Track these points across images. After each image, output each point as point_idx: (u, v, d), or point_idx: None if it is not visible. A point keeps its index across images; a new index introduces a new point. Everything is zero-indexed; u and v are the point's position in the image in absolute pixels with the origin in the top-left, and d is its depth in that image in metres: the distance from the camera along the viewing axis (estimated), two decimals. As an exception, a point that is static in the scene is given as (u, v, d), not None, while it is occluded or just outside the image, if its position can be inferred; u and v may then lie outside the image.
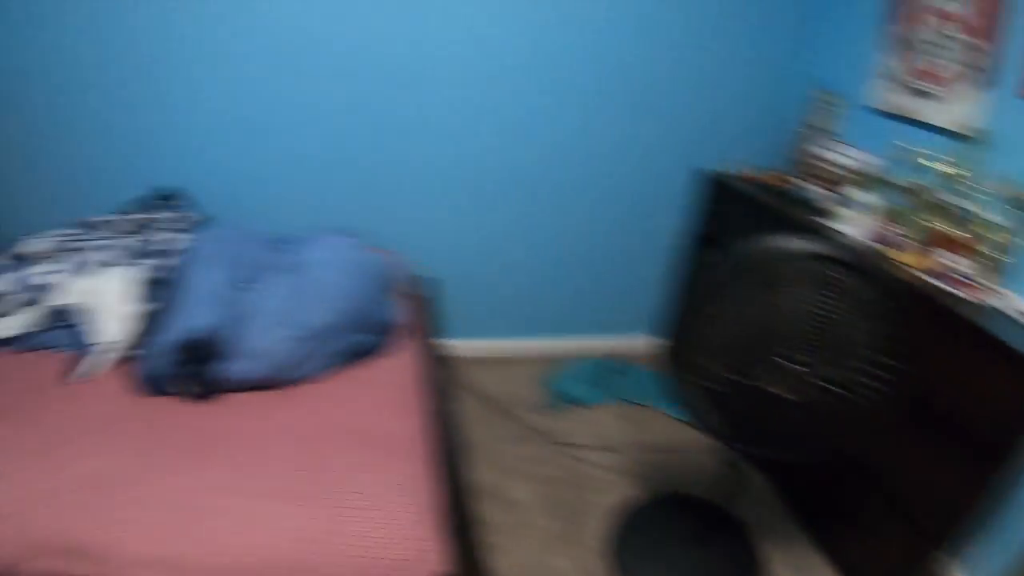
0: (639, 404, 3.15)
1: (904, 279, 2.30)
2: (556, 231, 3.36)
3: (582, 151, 3.23)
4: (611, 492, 2.69)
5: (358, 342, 2.21)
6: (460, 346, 3.49)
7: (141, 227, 2.75)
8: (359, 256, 2.33)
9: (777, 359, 1.72)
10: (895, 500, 2.28)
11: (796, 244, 1.67)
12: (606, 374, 3.29)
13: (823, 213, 2.89)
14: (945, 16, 2.69)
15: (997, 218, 2.37)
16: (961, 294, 2.24)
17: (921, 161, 2.68)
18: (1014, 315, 2.16)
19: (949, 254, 2.34)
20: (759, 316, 1.71)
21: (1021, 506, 2.22)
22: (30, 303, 2.37)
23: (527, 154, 3.17)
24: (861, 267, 1.64)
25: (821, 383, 1.72)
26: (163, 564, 1.51)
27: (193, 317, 1.99)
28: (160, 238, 2.64)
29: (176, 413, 1.96)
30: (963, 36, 2.62)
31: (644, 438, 2.99)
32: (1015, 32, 2.40)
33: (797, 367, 1.71)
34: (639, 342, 3.66)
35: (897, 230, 2.61)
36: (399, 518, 1.61)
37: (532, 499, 2.62)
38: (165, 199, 2.95)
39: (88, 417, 1.92)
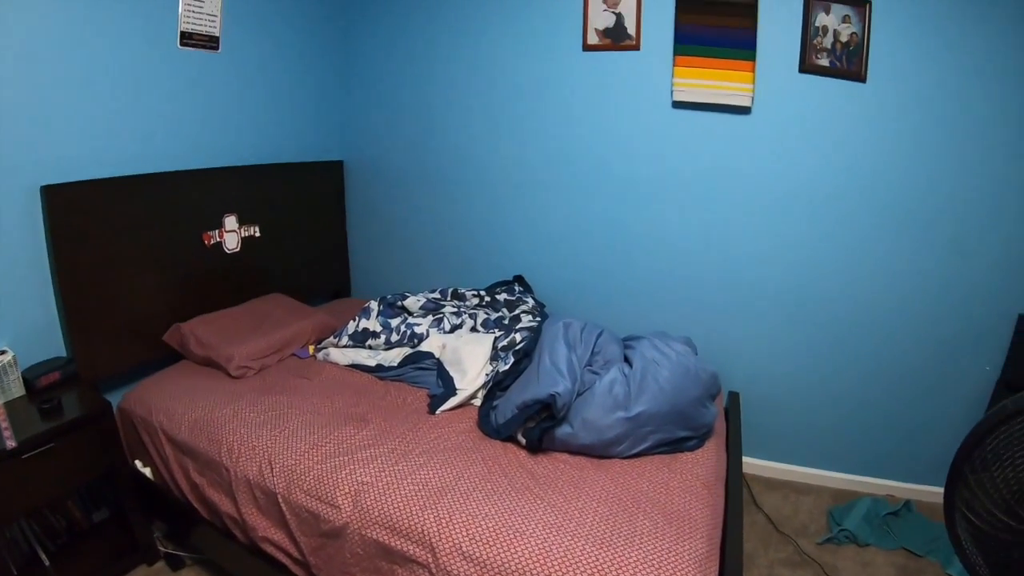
0: (918, 554, 2.96)
1: None
2: (861, 365, 3.34)
3: (900, 289, 3.21)
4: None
5: (676, 436, 2.44)
6: (755, 464, 3.61)
7: (493, 303, 3.42)
8: (689, 361, 2.57)
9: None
10: None
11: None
12: (891, 517, 3.16)
13: None
14: None
15: None
16: None
17: None
18: None
19: None
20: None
21: None
22: (406, 344, 3.05)
23: (846, 290, 3.26)
24: None
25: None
26: (475, 560, 1.89)
27: (554, 383, 2.37)
28: (510, 314, 3.27)
29: (510, 454, 2.39)
30: None
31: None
32: None
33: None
34: (930, 489, 3.37)
35: None
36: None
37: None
38: (513, 284, 3.56)
39: (441, 441, 2.44)
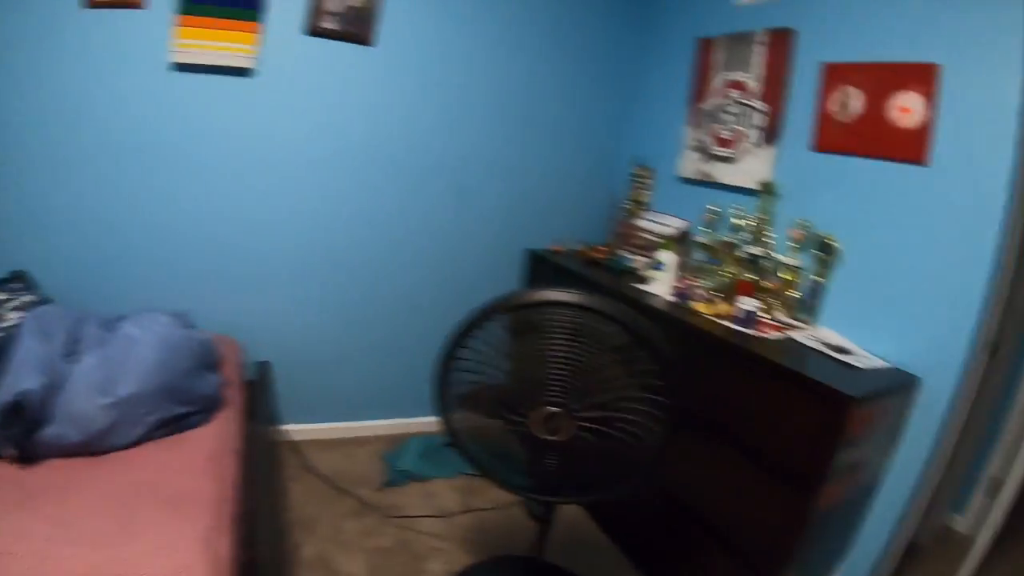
0: (475, 474, 3.27)
1: (688, 323, 2.65)
2: (388, 313, 3.64)
3: (416, 238, 3.58)
4: (443, 559, 2.81)
5: (175, 414, 2.33)
6: (305, 429, 3.61)
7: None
8: (174, 333, 2.48)
9: (535, 403, 1.82)
10: (721, 535, 2.48)
11: (543, 295, 1.80)
12: (441, 449, 3.43)
13: (639, 279, 3.23)
14: (739, 87, 3.20)
15: (792, 260, 2.79)
16: (759, 333, 2.55)
17: (727, 217, 3.12)
18: (814, 345, 2.48)
19: (750, 299, 2.65)
20: (519, 364, 1.83)
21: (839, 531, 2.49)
22: None
23: (365, 245, 3.50)
24: (610, 314, 1.76)
25: (581, 423, 1.82)
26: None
27: (17, 382, 2.09)
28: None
29: (-4, 470, 2.06)
30: (755, 103, 3.11)
31: (477, 505, 3.17)
32: (796, 97, 2.90)
33: (554, 408, 1.82)
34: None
35: (699, 284, 3.00)
36: (193, 565, 1.71)
37: (364, 570, 2.69)
38: (10, 282, 3.02)
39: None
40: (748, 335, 2.51)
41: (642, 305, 2.87)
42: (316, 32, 3.13)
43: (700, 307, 2.80)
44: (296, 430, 3.52)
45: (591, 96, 3.85)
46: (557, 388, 1.78)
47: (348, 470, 3.36)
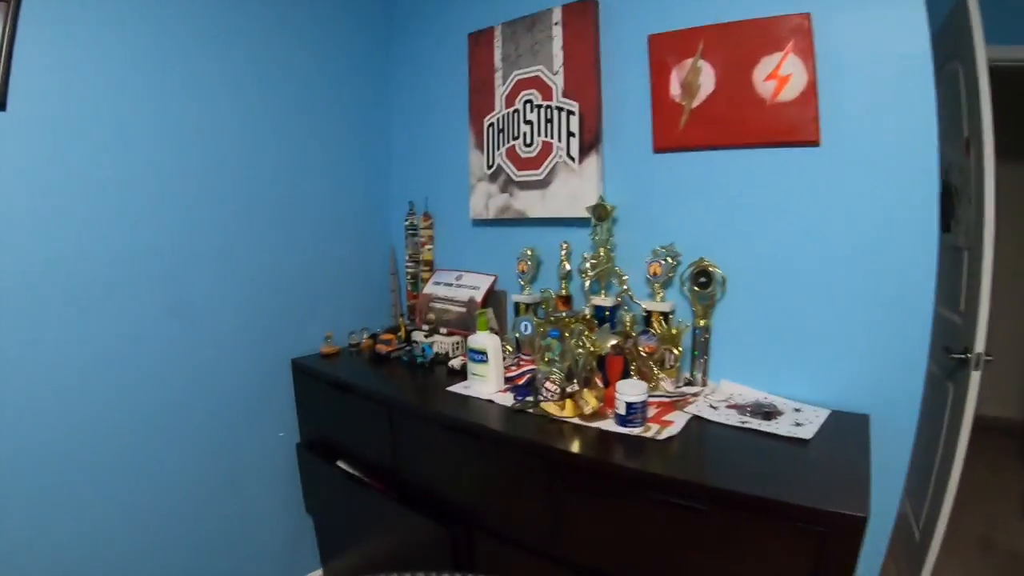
0: None
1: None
2: (155, 515, 2.35)
3: (128, 396, 2.26)
4: None
5: None
6: None
7: None
8: None
9: None
10: None
11: None
12: None
13: (454, 372, 2.35)
14: (536, 87, 2.44)
15: (661, 304, 2.06)
16: (657, 428, 1.69)
17: (554, 262, 2.37)
18: (731, 419, 1.75)
19: (630, 384, 1.73)
20: None
21: None
22: None
23: (66, 432, 2.12)
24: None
25: None
26: None
27: None
28: None
29: None
30: (561, 103, 2.35)
31: None
32: (619, 85, 2.24)
33: None
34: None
35: (541, 367, 1.99)
36: None
37: None
38: None
39: None
40: (639, 439, 1.65)
41: (472, 427, 1.89)
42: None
43: (555, 409, 1.85)
44: None
45: (342, 137, 2.90)
46: None
47: None
